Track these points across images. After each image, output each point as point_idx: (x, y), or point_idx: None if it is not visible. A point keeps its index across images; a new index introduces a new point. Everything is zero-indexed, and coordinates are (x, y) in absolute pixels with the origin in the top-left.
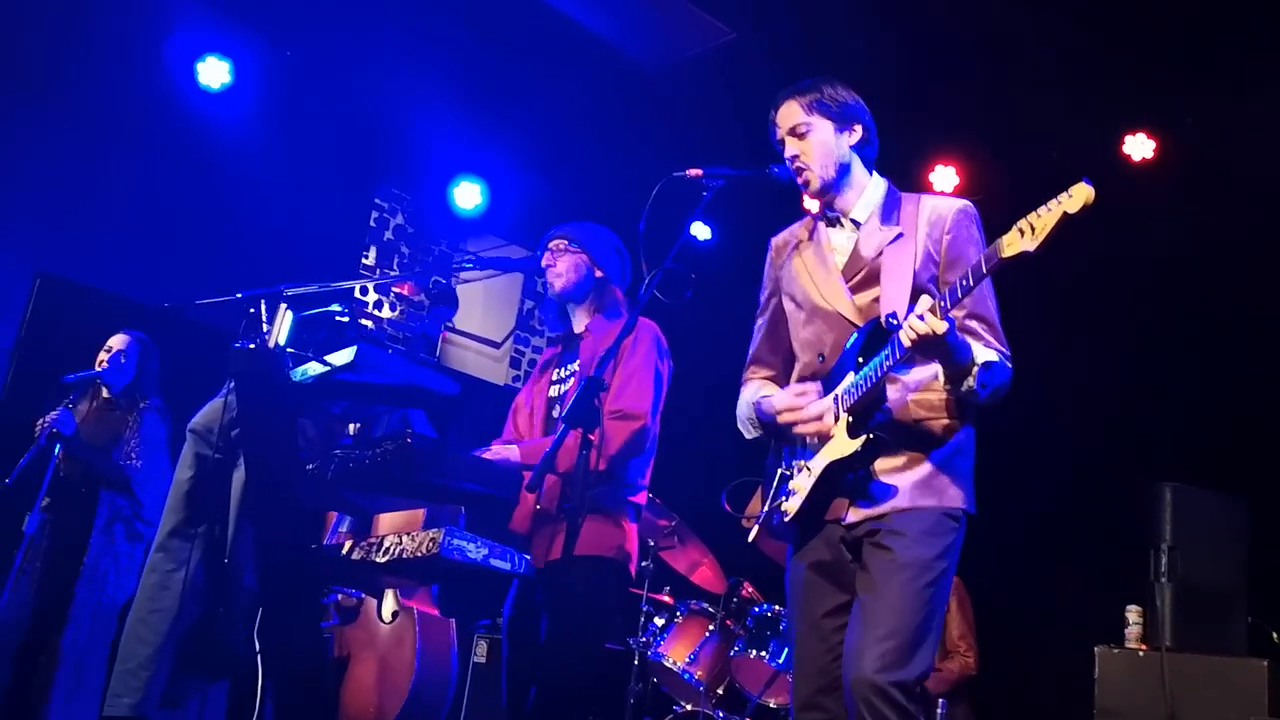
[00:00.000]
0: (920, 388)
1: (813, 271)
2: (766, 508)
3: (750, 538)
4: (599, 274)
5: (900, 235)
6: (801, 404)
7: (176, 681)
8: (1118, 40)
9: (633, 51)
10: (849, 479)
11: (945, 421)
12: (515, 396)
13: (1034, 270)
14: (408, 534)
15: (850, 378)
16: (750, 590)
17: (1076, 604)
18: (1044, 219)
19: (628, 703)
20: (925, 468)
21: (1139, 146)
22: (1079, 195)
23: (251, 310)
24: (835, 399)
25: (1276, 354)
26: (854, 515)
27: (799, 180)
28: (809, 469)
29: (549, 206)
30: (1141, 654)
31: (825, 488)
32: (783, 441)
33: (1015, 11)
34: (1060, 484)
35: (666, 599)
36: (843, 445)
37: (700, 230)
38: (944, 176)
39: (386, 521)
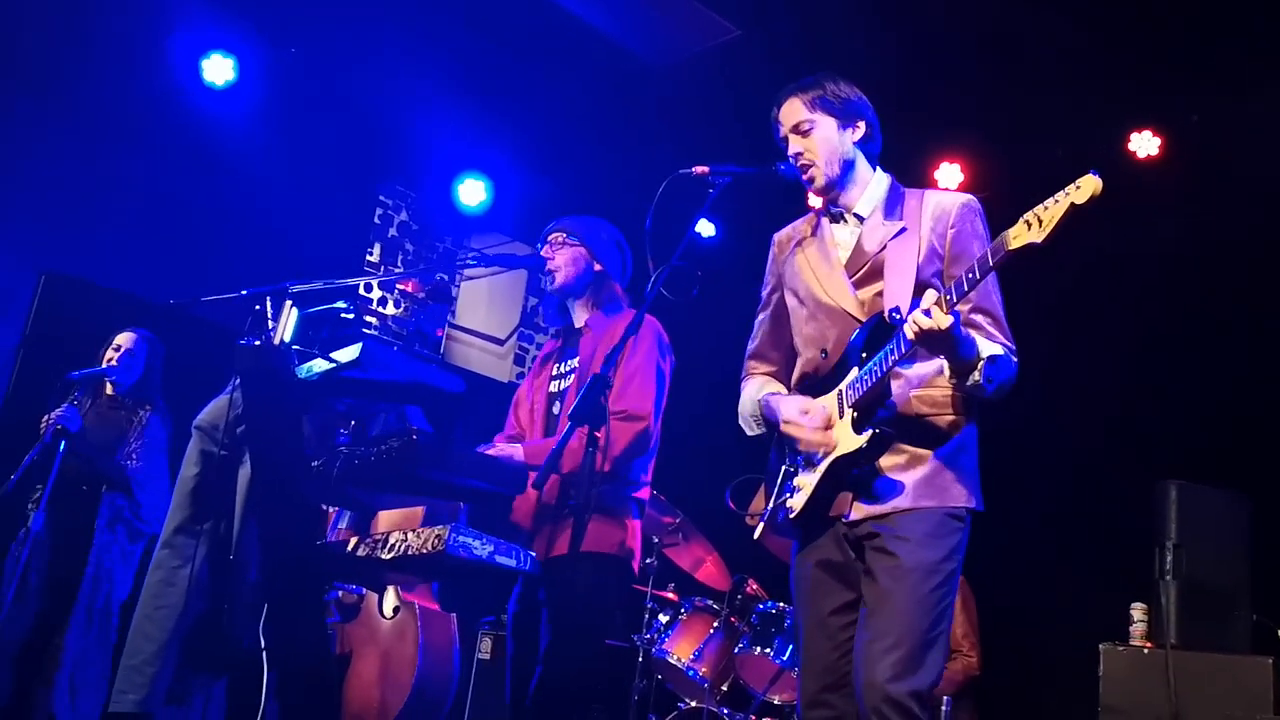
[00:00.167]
0: (923, 383)
1: (816, 267)
2: (771, 504)
3: (755, 535)
4: (598, 268)
5: (904, 230)
6: (805, 422)
7: (182, 677)
8: (1123, 37)
9: (637, 49)
10: (853, 474)
11: (949, 418)
12: (516, 390)
13: (1037, 267)
14: (413, 531)
15: (854, 373)
16: (755, 587)
17: (1078, 602)
18: (1051, 211)
19: (632, 700)
20: (928, 465)
21: (1144, 143)
22: (1087, 187)
23: (257, 307)
24: (839, 394)
25: (1279, 352)
26: (857, 512)
27: (803, 178)
28: (814, 465)
29: (553, 203)
30: (1146, 651)
31: (830, 483)
32: (787, 439)
33: (1021, 7)
34: (1061, 482)
35: (671, 596)
36: (848, 441)
37: (705, 227)
38: (949, 173)
39: (385, 518)
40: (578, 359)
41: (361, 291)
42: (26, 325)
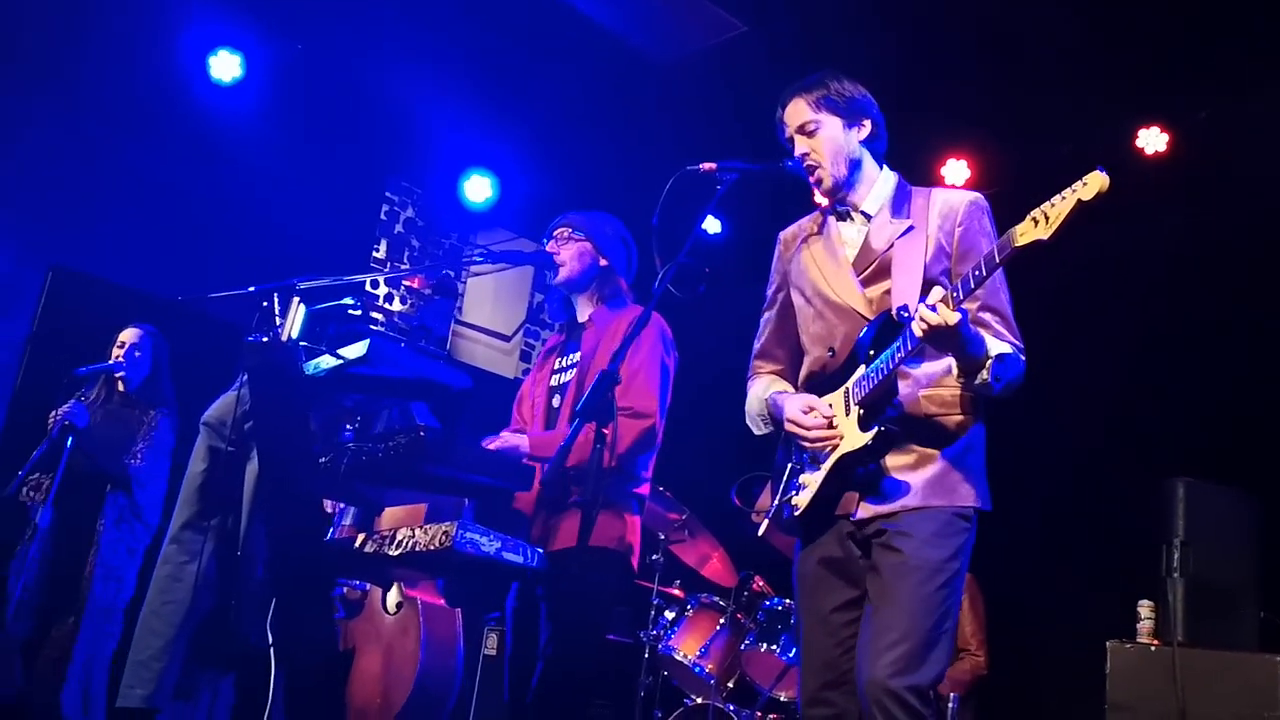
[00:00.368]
0: (931, 383)
1: (822, 265)
2: (776, 502)
3: (760, 532)
4: (603, 263)
5: (911, 228)
6: (808, 421)
7: (189, 673)
8: (1131, 33)
9: (643, 45)
10: (860, 473)
11: (957, 417)
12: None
13: (1042, 264)
14: (420, 527)
15: (861, 370)
16: (761, 584)
17: (1081, 601)
18: (1058, 208)
19: (638, 696)
20: (936, 465)
21: (1152, 140)
22: (1093, 183)
23: (264, 304)
24: (846, 392)
25: None
26: (864, 511)
27: (810, 178)
28: (820, 463)
29: (558, 200)
30: (1153, 649)
31: (836, 482)
32: (791, 437)
33: (1029, 2)
34: (1062, 482)
35: (677, 592)
36: (854, 438)
37: (711, 224)
38: (955, 170)
39: (390, 515)
40: (579, 353)
41: (368, 288)
42: (34, 320)
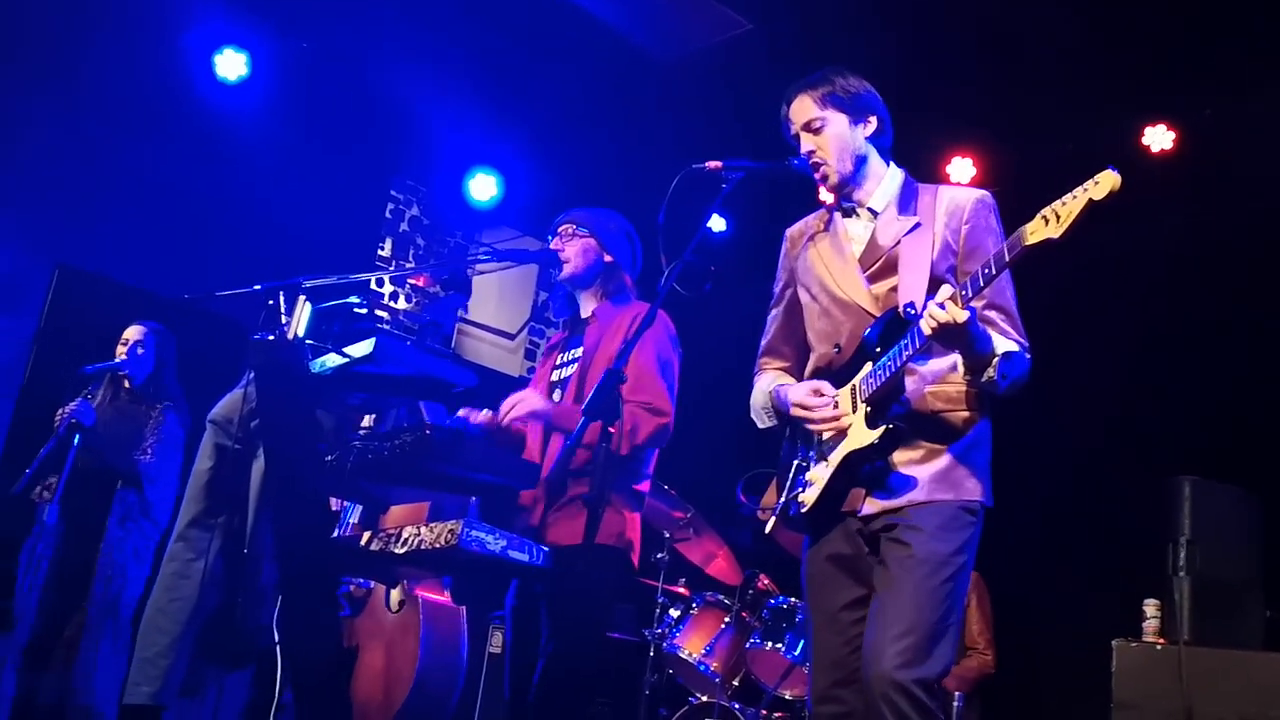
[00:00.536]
0: (938, 379)
1: (829, 261)
2: (783, 499)
3: (766, 529)
4: (608, 259)
5: (918, 225)
6: (814, 403)
7: (195, 670)
8: (1138, 30)
9: (647, 43)
10: (866, 470)
11: (963, 414)
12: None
13: (1049, 262)
14: (426, 525)
15: (868, 367)
16: (766, 582)
17: (1085, 601)
18: (1069, 206)
19: (643, 694)
20: (943, 460)
21: (1159, 138)
22: (1105, 183)
23: (270, 302)
24: (853, 389)
25: None
26: (870, 507)
27: (816, 175)
28: (826, 459)
29: (563, 198)
30: (1159, 648)
31: (843, 478)
32: (799, 432)
33: (1035, 1)
34: (1064, 481)
35: (682, 591)
36: (861, 435)
37: (715, 222)
38: (961, 168)
39: (395, 513)
40: (581, 348)
41: (373, 286)
42: (41, 318)
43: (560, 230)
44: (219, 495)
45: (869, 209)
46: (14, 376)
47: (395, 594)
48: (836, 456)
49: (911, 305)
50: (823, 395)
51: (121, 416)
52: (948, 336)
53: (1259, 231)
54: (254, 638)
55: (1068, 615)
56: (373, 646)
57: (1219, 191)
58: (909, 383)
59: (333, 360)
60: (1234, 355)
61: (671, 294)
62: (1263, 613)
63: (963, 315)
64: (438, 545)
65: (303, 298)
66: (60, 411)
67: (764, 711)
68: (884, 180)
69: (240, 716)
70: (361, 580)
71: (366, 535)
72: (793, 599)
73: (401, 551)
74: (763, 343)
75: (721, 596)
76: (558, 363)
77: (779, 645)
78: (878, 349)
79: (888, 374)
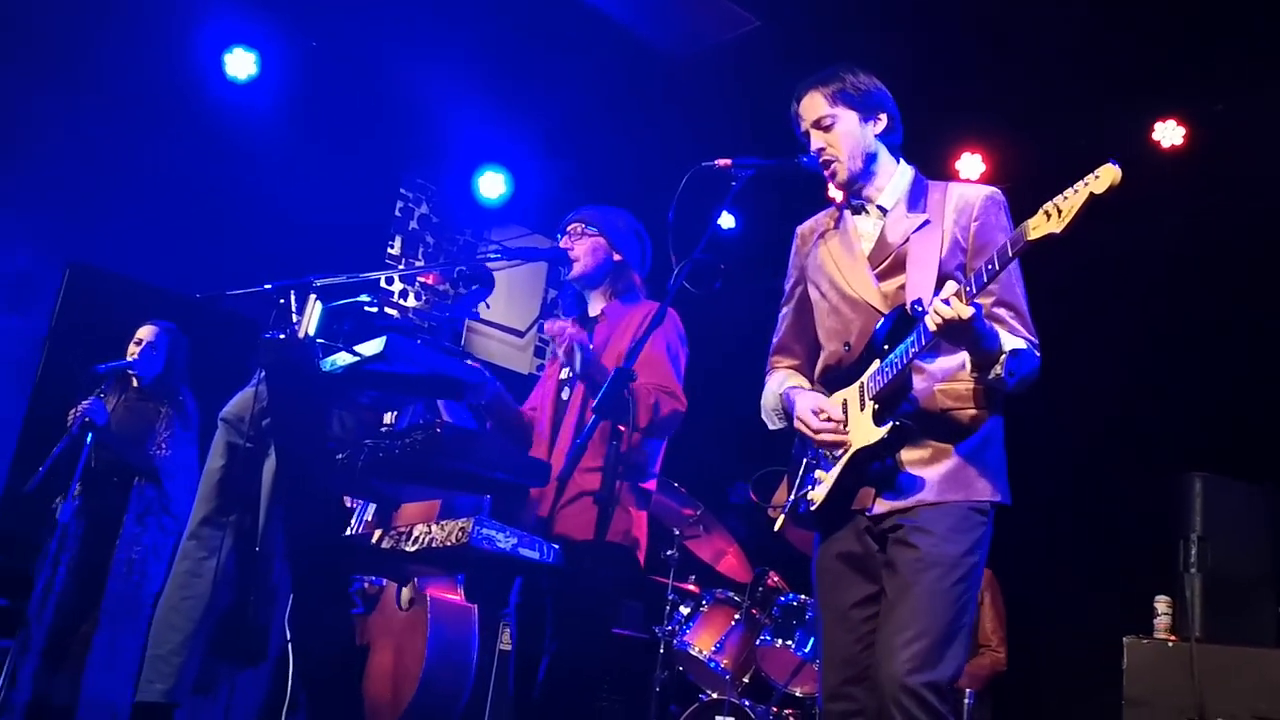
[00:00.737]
0: (947, 377)
1: (838, 259)
2: (792, 496)
3: (776, 527)
4: (617, 258)
5: (927, 222)
6: (817, 427)
7: (208, 667)
8: (1147, 25)
9: (657, 40)
10: (875, 468)
11: (972, 411)
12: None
13: (1048, 260)
14: (437, 523)
15: (876, 365)
16: (776, 579)
17: (1096, 598)
18: (1070, 201)
19: (653, 691)
20: (952, 460)
21: (1169, 133)
22: (1106, 177)
23: (281, 301)
24: (861, 387)
25: None
26: (880, 506)
27: (825, 173)
28: (835, 457)
29: (572, 195)
30: (1171, 644)
31: (851, 476)
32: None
33: None
34: (1064, 482)
35: (692, 588)
36: (869, 433)
37: (725, 219)
38: (970, 163)
39: (408, 511)
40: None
41: (383, 284)
42: (53, 317)
43: (569, 229)
44: (231, 494)
45: (878, 206)
46: (26, 375)
47: (405, 592)
48: (844, 455)
49: (919, 302)
50: (825, 412)
51: (133, 414)
52: (953, 334)
53: (1269, 228)
54: (266, 636)
55: (1080, 613)
56: (383, 645)
57: (1229, 187)
58: (918, 380)
59: (343, 359)
60: (1235, 354)
61: (681, 292)
62: (1275, 609)
63: (967, 312)
64: (449, 543)
65: (313, 296)
66: (73, 410)
67: (774, 708)
68: (894, 177)
69: (255, 714)
70: (375, 578)
71: (378, 533)
72: (803, 596)
73: (412, 550)
74: (774, 341)
75: (731, 593)
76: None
77: (789, 642)
78: (886, 347)
79: (895, 371)
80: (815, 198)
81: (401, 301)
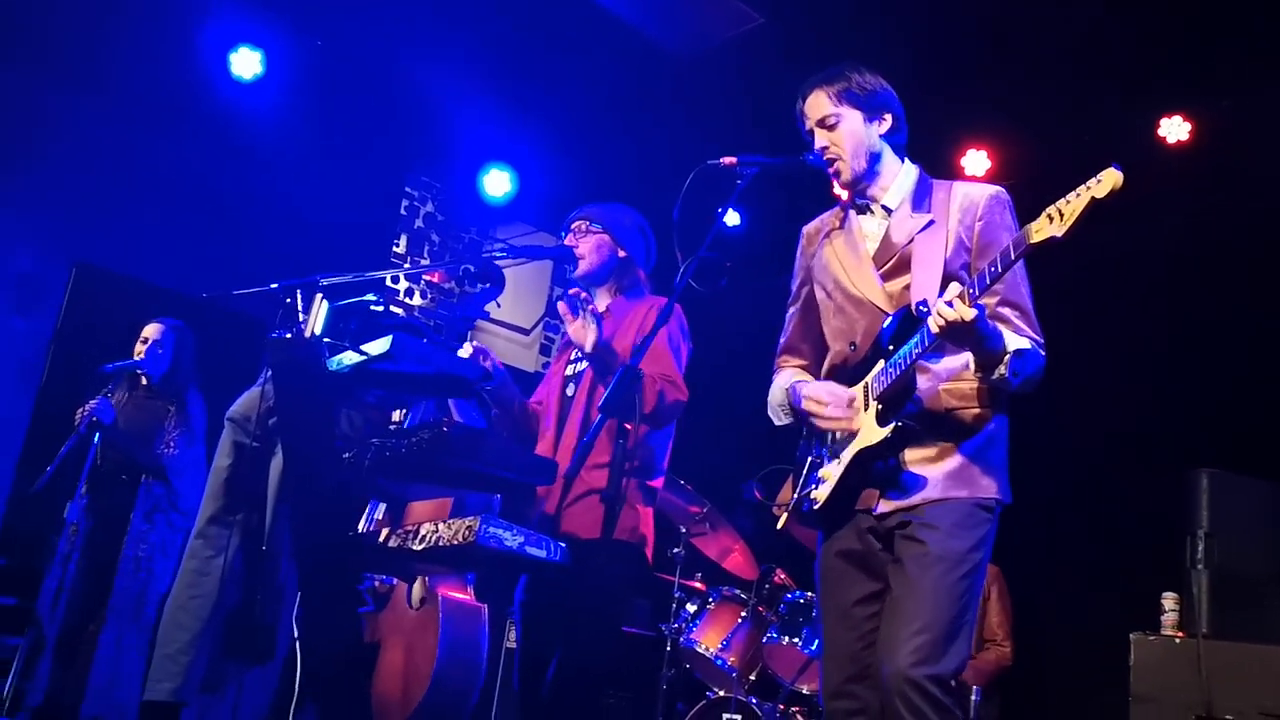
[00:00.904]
0: (951, 377)
1: (844, 259)
2: (797, 495)
3: (780, 524)
4: (622, 254)
5: (931, 222)
6: (826, 399)
7: (215, 666)
8: (1153, 20)
9: (662, 37)
10: (879, 468)
11: (977, 411)
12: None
13: (1050, 259)
14: (444, 522)
15: (880, 365)
16: (783, 577)
17: (1102, 595)
18: (1072, 205)
19: (660, 689)
20: (957, 458)
21: (1175, 129)
22: (1107, 180)
23: (288, 300)
24: (865, 387)
25: None
26: (884, 506)
27: (829, 171)
28: (839, 457)
29: (578, 193)
30: (1178, 641)
31: (855, 476)
32: (814, 430)
33: None
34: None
35: (698, 585)
36: (872, 433)
37: (730, 217)
38: (975, 161)
39: (417, 509)
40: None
41: (388, 283)
42: (60, 317)
43: (574, 226)
44: (238, 492)
45: (883, 206)
46: (33, 374)
47: (416, 591)
48: (848, 454)
49: (923, 303)
50: (837, 396)
51: (140, 413)
52: (956, 334)
53: (1270, 228)
54: (274, 635)
55: (1087, 609)
56: (393, 643)
57: (1234, 184)
58: (922, 380)
59: (350, 358)
60: (1236, 353)
61: (687, 289)
62: None
63: (970, 314)
64: (456, 542)
65: (320, 295)
66: (80, 410)
67: (781, 706)
68: (898, 177)
69: (262, 712)
70: (386, 576)
71: (385, 531)
72: (809, 593)
73: (419, 548)
74: (781, 341)
75: (738, 591)
76: (572, 358)
77: (796, 640)
78: (890, 347)
79: (899, 372)
80: (821, 196)
81: (407, 300)
